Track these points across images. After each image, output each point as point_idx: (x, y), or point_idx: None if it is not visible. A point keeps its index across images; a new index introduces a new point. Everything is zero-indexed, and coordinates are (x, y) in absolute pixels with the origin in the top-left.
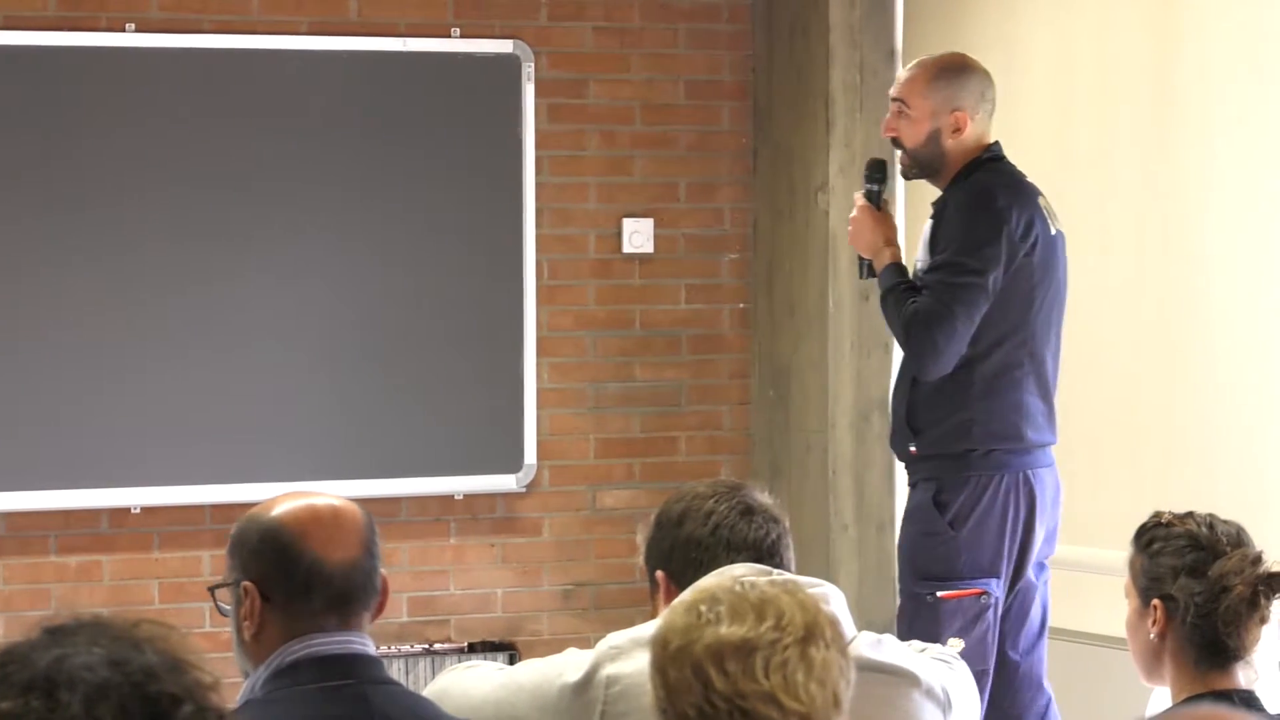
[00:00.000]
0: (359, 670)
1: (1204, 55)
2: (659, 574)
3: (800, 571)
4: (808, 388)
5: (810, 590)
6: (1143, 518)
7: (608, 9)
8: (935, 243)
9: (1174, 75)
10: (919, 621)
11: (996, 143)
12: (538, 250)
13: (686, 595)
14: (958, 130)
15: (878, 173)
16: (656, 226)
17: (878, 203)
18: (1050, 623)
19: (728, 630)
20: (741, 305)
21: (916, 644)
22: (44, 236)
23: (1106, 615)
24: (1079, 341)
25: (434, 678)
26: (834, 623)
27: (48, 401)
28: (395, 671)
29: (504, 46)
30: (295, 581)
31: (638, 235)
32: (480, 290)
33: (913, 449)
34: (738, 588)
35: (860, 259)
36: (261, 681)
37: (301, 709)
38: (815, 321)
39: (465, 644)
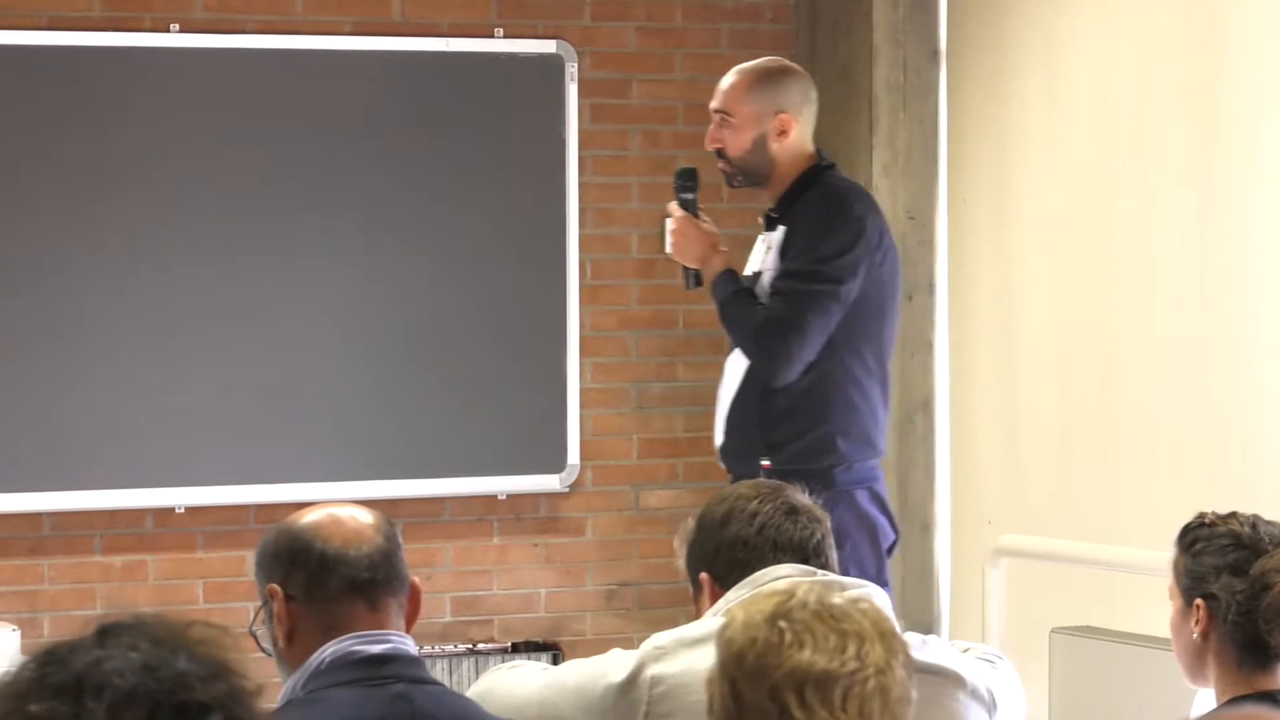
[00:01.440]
0: (400, 669)
1: (1248, 53)
2: (703, 576)
3: (843, 574)
4: None
5: (855, 591)
6: (1186, 519)
7: (650, 9)
8: (788, 250)
9: (1218, 73)
10: None
11: (821, 150)
12: (580, 250)
13: (764, 605)
14: (783, 133)
15: (690, 181)
16: None
17: (694, 211)
18: (1085, 623)
19: (810, 657)
20: None
21: (960, 644)
22: (88, 236)
23: (1151, 615)
24: (1121, 343)
25: (478, 678)
26: (906, 647)
27: (92, 402)
28: (439, 671)
29: (547, 46)
30: (312, 568)
31: None
32: (523, 290)
33: (765, 464)
34: (816, 605)
35: (686, 270)
36: (302, 682)
37: (342, 708)
38: None
39: (509, 644)
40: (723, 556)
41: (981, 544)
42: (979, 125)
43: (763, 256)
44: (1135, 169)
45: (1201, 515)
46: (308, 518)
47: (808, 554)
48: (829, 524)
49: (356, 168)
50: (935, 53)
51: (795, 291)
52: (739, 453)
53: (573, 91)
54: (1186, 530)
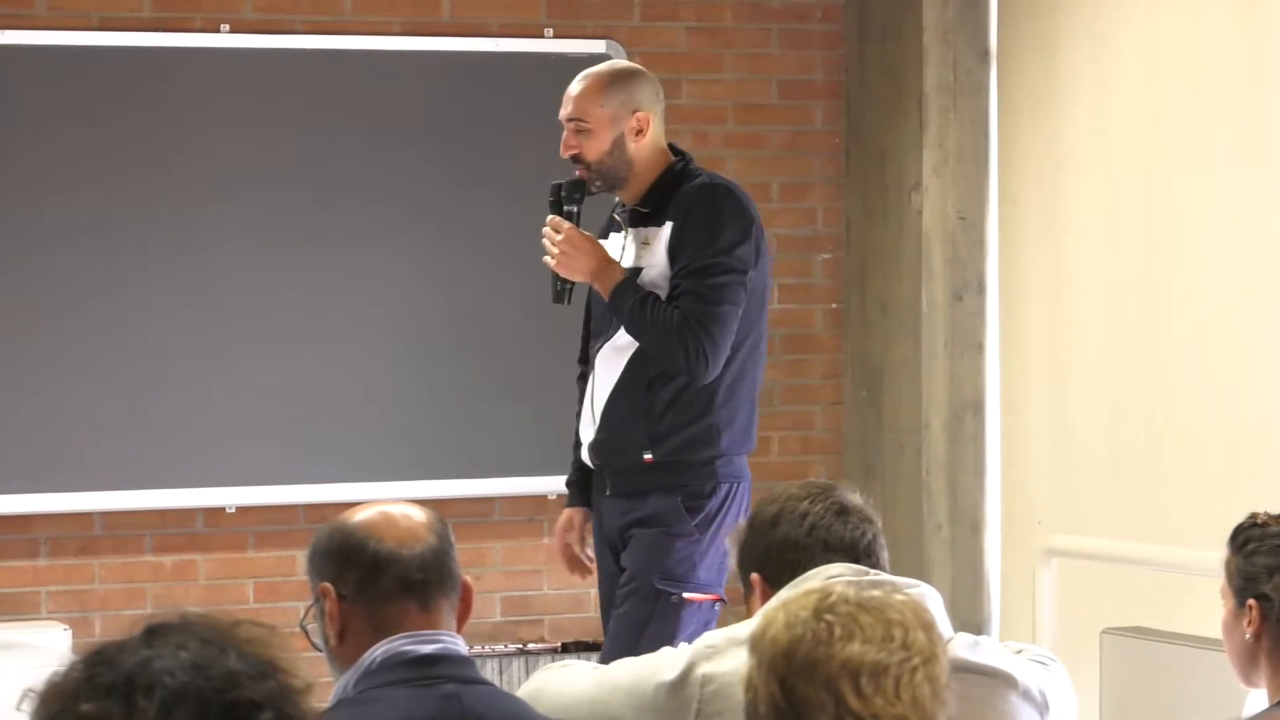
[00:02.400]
0: (451, 669)
1: None
2: (754, 576)
3: (894, 573)
4: (901, 388)
5: (908, 591)
6: (1238, 519)
7: (700, 9)
8: (683, 246)
9: (1267, 73)
10: (659, 621)
11: (674, 145)
12: None
13: (804, 601)
14: (640, 132)
15: (578, 192)
16: None
17: (578, 224)
18: (1136, 623)
19: (861, 648)
20: (834, 305)
21: (1013, 644)
22: (138, 237)
23: (1203, 616)
24: (1175, 342)
25: (528, 677)
26: (941, 637)
27: (144, 402)
28: (489, 671)
29: (596, 47)
30: (364, 567)
31: None
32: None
33: (648, 457)
34: (857, 597)
35: (560, 283)
36: (353, 682)
37: (393, 708)
38: (908, 321)
39: (559, 644)
40: (773, 557)
41: (1032, 544)
42: (1029, 125)
43: (634, 251)
44: (1186, 168)
45: (1254, 515)
46: (360, 516)
47: (858, 554)
48: (880, 524)
49: (406, 168)
50: (985, 52)
51: (707, 286)
52: (618, 447)
53: None
54: (1239, 530)
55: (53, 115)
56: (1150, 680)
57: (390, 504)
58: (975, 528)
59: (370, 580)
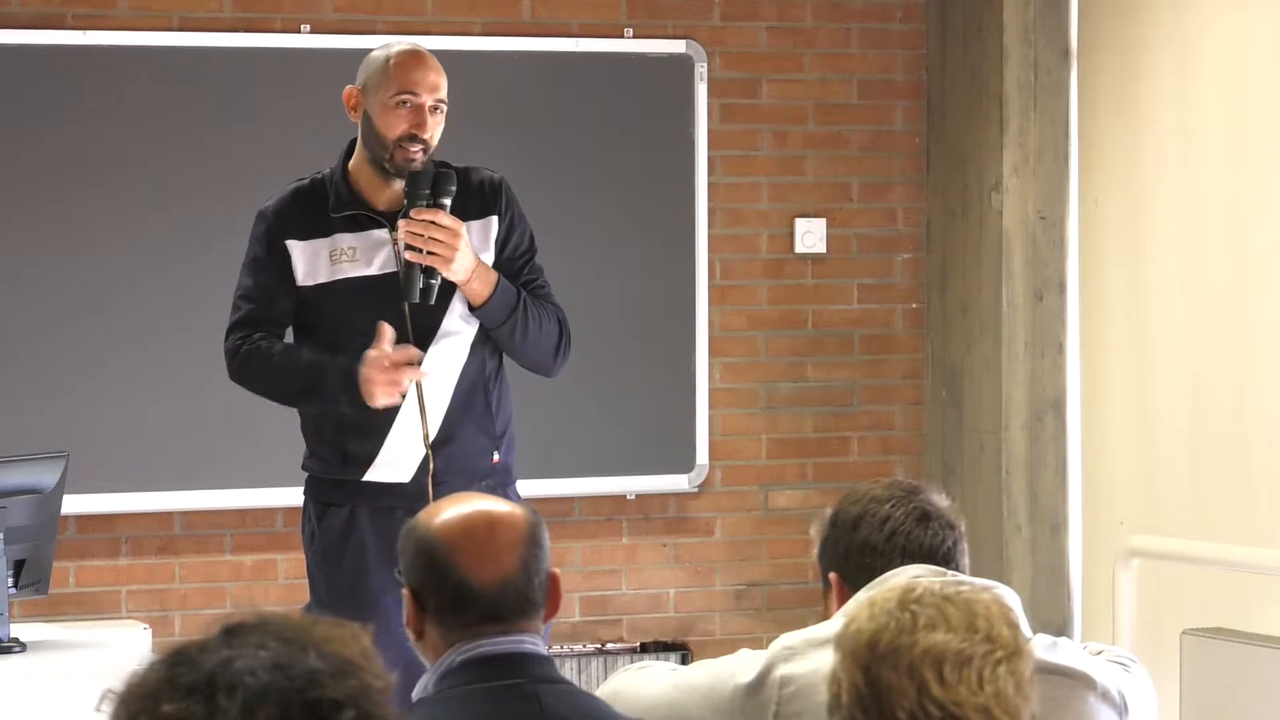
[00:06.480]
0: (529, 669)
1: None
2: (832, 576)
3: (974, 573)
4: (981, 388)
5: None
6: None
7: (781, 9)
8: (516, 243)
9: None
10: None
11: None
12: (710, 250)
13: (889, 595)
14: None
15: (452, 185)
16: (829, 226)
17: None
18: (1217, 624)
19: (945, 637)
20: (914, 305)
21: (1093, 646)
22: (218, 237)
23: None
24: (1258, 341)
25: (606, 678)
26: (1025, 636)
27: (224, 402)
28: (567, 671)
29: (677, 47)
30: (444, 598)
31: (810, 235)
32: (652, 290)
33: (496, 458)
34: (942, 591)
35: (429, 281)
36: (433, 681)
37: (472, 708)
38: (989, 321)
39: (638, 644)
40: (853, 560)
41: (1113, 545)
42: (1111, 125)
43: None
44: (1269, 167)
45: None
46: (446, 523)
47: (937, 561)
48: (963, 527)
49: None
50: (1066, 52)
51: (548, 283)
52: (466, 451)
53: (702, 91)
54: None
55: (133, 115)
56: (1231, 682)
57: (480, 507)
58: (1056, 528)
59: (449, 611)
